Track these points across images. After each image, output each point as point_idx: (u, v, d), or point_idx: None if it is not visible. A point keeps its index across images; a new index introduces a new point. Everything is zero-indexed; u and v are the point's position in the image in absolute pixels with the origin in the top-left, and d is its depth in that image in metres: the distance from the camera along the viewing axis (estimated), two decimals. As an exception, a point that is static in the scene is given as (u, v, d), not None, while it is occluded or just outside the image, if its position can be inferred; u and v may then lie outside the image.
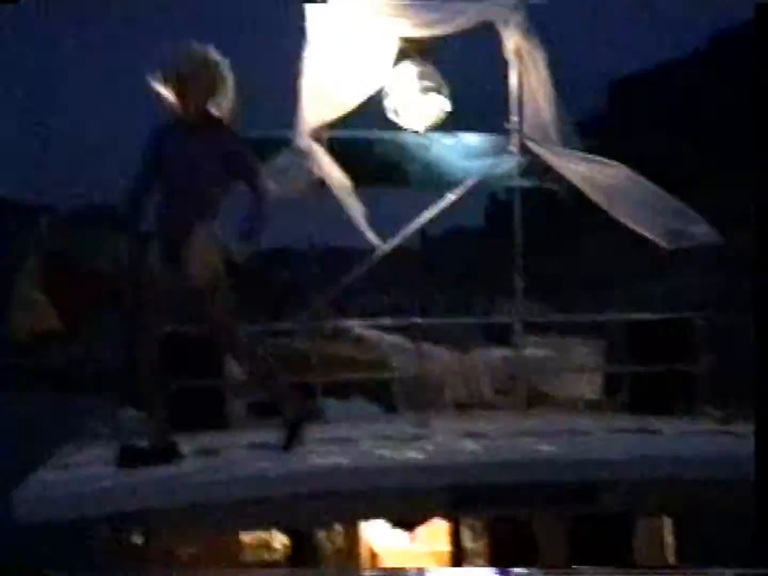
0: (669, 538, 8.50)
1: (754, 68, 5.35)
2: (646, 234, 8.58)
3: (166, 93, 6.59)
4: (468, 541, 8.37)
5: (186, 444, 7.05)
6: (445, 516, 7.50)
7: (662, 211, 8.54)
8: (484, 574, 7.53)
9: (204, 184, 6.66)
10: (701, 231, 8.47)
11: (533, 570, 6.72)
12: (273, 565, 8.38)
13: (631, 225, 8.56)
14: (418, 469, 6.43)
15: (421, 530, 8.97)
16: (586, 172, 8.58)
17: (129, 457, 6.54)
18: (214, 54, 6.63)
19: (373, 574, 7.65)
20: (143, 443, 6.72)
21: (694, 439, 7.33)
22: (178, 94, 6.58)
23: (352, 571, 7.75)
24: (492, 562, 8.43)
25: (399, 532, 8.99)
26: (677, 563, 8.49)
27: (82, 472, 6.60)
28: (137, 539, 6.12)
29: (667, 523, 8.48)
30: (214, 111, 6.67)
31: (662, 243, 8.56)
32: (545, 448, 6.88)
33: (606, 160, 8.56)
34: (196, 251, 6.60)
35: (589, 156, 8.60)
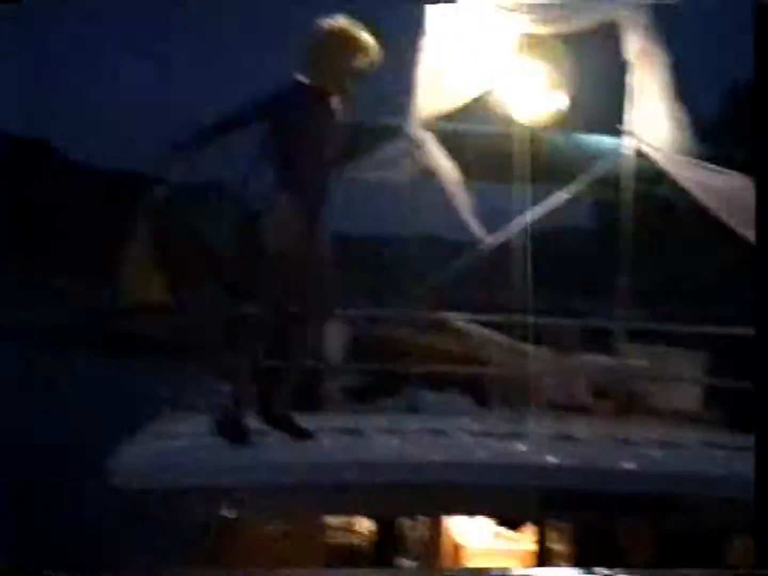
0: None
1: (755, 69, 5.24)
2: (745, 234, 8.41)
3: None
4: (553, 543, 8.31)
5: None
6: (532, 518, 7.46)
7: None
8: (566, 574, 7.45)
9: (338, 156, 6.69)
10: None
11: (617, 570, 6.65)
12: (357, 549, 8.43)
13: (745, 235, 8.39)
14: (509, 468, 6.39)
15: (506, 529, 8.95)
16: (702, 179, 8.44)
17: (227, 431, 6.60)
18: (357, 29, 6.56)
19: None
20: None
21: None
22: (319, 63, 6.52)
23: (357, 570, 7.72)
24: (576, 564, 8.38)
25: (484, 529, 8.99)
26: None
27: (177, 443, 6.68)
28: (229, 513, 6.17)
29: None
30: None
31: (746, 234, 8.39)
32: (637, 457, 6.80)
33: (722, 169, 8.40)
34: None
35: (706, 163, 8.46)
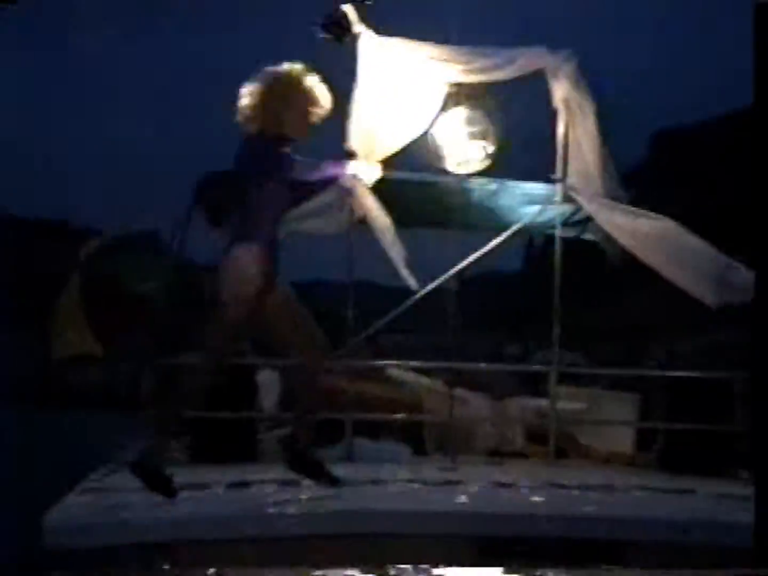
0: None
1: (755, 69, 5.25)
2: (690, 290, 8.46)
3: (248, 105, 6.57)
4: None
5: (218, 475, 7.04)
6: (471, 565, 7.41)
7: (707, 266, 8.42)
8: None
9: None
10: (745, 279, 8.31)
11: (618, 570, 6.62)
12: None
13: (673, 280, 8.45)
14: (445, 517, 6.35)
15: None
16: (629, 224, 8.49)
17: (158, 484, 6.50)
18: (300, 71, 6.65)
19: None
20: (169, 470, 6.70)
21: (728, 502, 7.20)
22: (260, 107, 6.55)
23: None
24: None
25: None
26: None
27: (111, 498, 6.57)
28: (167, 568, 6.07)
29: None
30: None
31: (706, 300, 8.44)
32: (576, 502, 6.79)
33: (651, 213, 8.47)
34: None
35: (634, 209, 8.52)
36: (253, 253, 6.44)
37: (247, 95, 6.59)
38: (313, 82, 6.63)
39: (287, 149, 6.56)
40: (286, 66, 6.66)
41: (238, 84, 6.64)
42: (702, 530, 6.34)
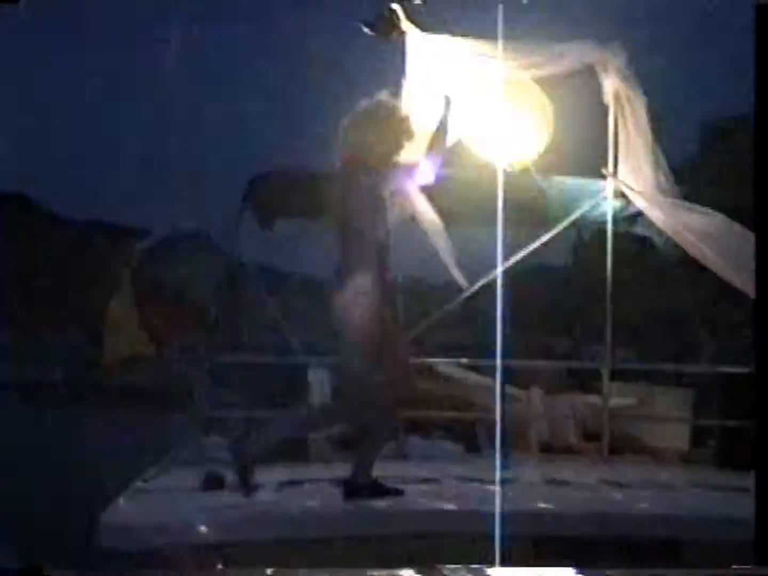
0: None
1: (755, 70, 5.17)
2: (736, 284, 8.37)
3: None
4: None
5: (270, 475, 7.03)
6: (529, 563, 7.37)
7: (751, 256, 8.32)
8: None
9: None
10: None
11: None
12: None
13: (723, 276, 8.36)
14: (503, 516, 6.30)
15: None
16: (680, 220, 8.41)
17: (212, 484, 6.51)
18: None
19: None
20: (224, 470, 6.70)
21: None
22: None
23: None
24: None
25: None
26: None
27: (164, 498, 6.58)
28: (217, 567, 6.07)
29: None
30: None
31: (751, 294, 8.35)
32: (628, 499, 6.72)
33: (702, 208, 8.37)
34: None
35: (685, 204, 8.43)
36: (368, 294, 6.58)
37: (353, 129, 6.78)
38: (408, 113, 6.94)
39: (390, 181, 6.81)
40: (385, 98, 6.97)
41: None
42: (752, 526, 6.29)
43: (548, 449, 8.82)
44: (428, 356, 9.29)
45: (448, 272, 8.56)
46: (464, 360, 9.54)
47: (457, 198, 8.74)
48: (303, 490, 6.75)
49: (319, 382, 8.97)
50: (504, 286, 9.53)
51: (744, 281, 8.28)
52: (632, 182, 8.50)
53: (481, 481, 7.17)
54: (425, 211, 8.42)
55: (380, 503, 6.51)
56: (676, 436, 8.98)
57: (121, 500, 6.35)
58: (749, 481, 7.47)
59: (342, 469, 7.35)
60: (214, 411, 8.54)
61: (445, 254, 8.52)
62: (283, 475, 7.13)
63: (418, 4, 8.17)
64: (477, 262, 8.99)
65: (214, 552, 5.84)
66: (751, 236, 8.31)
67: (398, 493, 6.63)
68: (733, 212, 8.66)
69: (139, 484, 7.01)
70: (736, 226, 8.31)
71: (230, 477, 6.71)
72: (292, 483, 6.87)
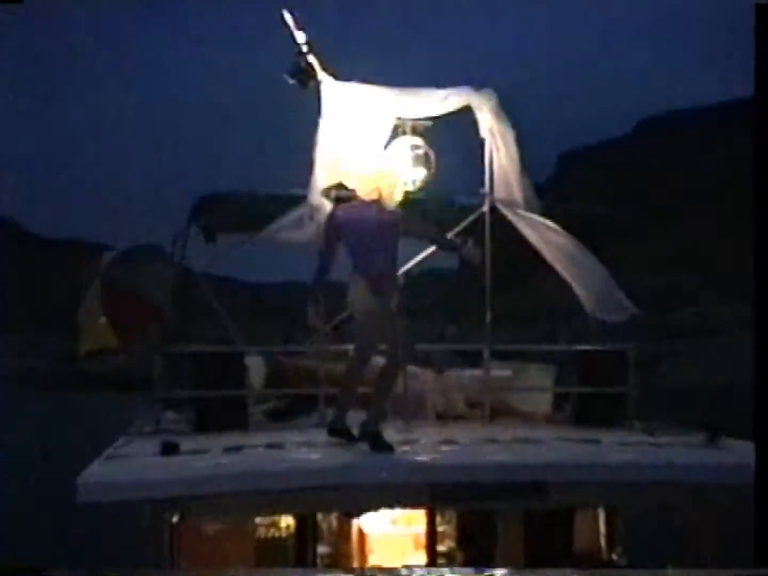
0: (603, 529, 8.45)
1: (756, 70, 4.98)
2: (576, 292, 8.62)
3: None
4: (441, 526, 8.28)
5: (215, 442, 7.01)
6: (424, 506, 7.42)
7: (593, 278, 8.58)
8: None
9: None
10: (619, 301, 8.54)
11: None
12: (280, 541, 8.29)
13: (568, 281, 8.57)
14: (403, 468, 6.35)
15: (401, 516, 8.89)
16: (539, 234, 8.60)
17: (169, 449, 6.50)
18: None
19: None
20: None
21: (626, 448, 7.26)
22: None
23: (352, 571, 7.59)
24: (459, 544, 8.35)
25: (383, 517, 8.91)
26: (608, 549, 8.43)
27: (131, 462, 6.53)
28: (174, 519, 6.03)
29: (601, 516, 8.42)
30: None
31: (588, 308, 8.62)
32: (505, 453, 6.82)
33: (557, 227, 8.55)
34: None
35: (544, 221, 8.61)
36: (373, 283, 7.06)
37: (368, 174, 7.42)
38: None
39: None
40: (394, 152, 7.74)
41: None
42: (605, 470, 6.43)
43: (442, 416, 8.89)
44: (344, 343, 9.34)
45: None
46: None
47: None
48: (243, 453, 6.72)
49: (255, 366, 8.95)
50: (407, 285, 9.66)
51: (581, 293, 8.54)
52: (505, 201, 8.63)
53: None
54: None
55: (300, 461, 6.50)
56: (542, 402, 9.11)
57: (94, 464, 6.28)
58: (600, 434, 7.67)
59: (275, 437, 7.37)
60: (168, 392, 8.51)
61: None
62: (228, 441, 7.11)
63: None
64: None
65: (172, 503, 5.81)
66: (591, 259, 8.56)
67: (390, 448, 6.69)
68: (588, 222, 8.86)
69: (110, 451, 6.95)
70: (581, 248, 8.51)
71: (184, 444, 6.70)
72: (235, 448, 6.85)
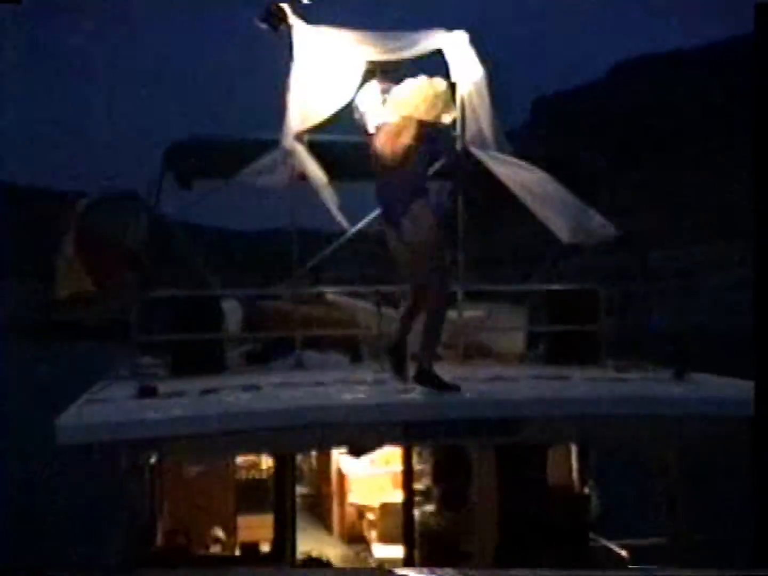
0: (575, 463, 8.58)
1: (756, 69, 4.92)
2: (549, 226, 8.60)
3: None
4: (417, 464, 8.38)
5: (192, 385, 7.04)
6: (399, 444, 7.50)
7: (566, 209, 8.55)
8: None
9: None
10: (598, 224, 8.49)
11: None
12: (260, 482, 8.38)
13: (539, 216, 8.55)
14: (378, 407, 6.40)
15: (379, 456, 8.99)
16: (513, 173, 8.56)
17: (146, 392, 6.53)
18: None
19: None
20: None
21: (596, 383, 7.36)
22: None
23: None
24: (435, 482, 8.46)
25: (362, 458, 9.01)
26: (580, 483, 8.57)
27: (109, 405, 6.56)
28: (152, 459, 6.07)
29: (573, 451, 8.54)
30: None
31: (563, 237, 8.61)
32: (478, 390, 6.88)
33: (528, 165, 8.53)
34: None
35: (516, 160, 8.57)
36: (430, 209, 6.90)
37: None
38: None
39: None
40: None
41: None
42: (574, 405, 6.52)
43: (416, 357, 8.94)
44: (322, 286, 9.38)
45: (334, 219, 8.61)
46: (348, 288, 9.64)
47: (338, 157, 8.78)
48: (220, 395, 6.76)
49: (231, 310, 8.97)
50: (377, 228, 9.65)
51: (555, 224, 8.53)
52: (477, 142, 8.60)
53: (362, 383, 7.28)
54: (313, 169, 8.46)
55: (276, 401, 6.56)
56: (515, 341, 9.18)
57: (72, 407, 6.31)
58: (571, 371, 7.76)
59: (251, 379, 7.40)
60: (145, 336, 8.52)
61: (330, 204, 8.57)
62: (205, 384, 7.13)
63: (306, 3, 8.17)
64: (358, 211, 9.04)
65: (149, 444, 5.85)
66: (562, 189, 8.54)
67: (456, 388, 6.62)
68: (558, 164, 8.84)
69: (87, 395, 6.97)
70: (553, 182, 8.50)
71: (161, 388, 6.72)
72: (212, 390, 6.88)
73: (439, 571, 4.98)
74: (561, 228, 8.52)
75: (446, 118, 7.33)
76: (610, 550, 8.49)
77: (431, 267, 6.86)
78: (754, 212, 4.89)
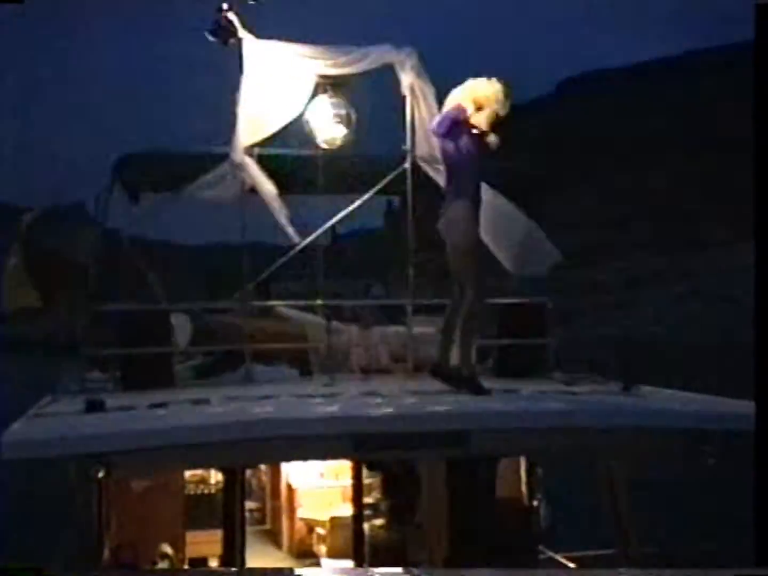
0: (524, 476, 8.63)
1: (756, 68, 4.92)
2: (500, 258, 8.71)
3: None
4: (367, 478, 8.39)
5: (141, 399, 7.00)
6: (349, 458, 7.50)
7: (515, 235, 8.66)
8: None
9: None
10: (545, 252, 8.66)
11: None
12: (209, 497, 8.33)
13: (488, 243, 8.58)
14: (327, 421, 6.40)
15: (328, 470, 8.98)
16: None
17: (94, 407, 6.49)
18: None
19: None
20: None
21: (545, 396, 7.42)
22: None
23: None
24: (385, 496, 8.47)
25: (311, 471, 9.00)
26: (529, 496, 8.62)
27: (55, 419, 6.51)
28: (99, 474, 6.01)
29: (522, 464, 8.60)
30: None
31: (511, 268, 8.73)
32: (428, 404, 6.91)
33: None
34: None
35: None
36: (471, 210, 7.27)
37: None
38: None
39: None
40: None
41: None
42: (522, 418, 6.57)
43: (366, 370, 8.97)
44: (269, 300, 9.37)
45: (284, 232, 8.63)
46: (298, 303, 9.66)
47: (288, 171, 8.81)
48: (169, 409, 6.73)
49: (180, 324, 8.93)
50: (327, 244, 9.66)
51: (502, 254, 8.64)
52: (426, 158, 8.67)
53: (312, 396, 7.28)
54: (263, 182, 8.48)
55: (225, 415, 6.55)
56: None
57: (18, 422, 6.25)
58: (520, 384, 7.82)
59: (200, 393, 7.38)
60: (93, 351, 8.47)
61: (280, 216, 8.59)
62: (154, 398, 7.10)
63: (253, 2, 8.19)
64: (307, 224, 9.06)
65: (96, 459, 5.80)
66: (515, 212, 8.62)
67: (487, 392, 7.07)
68: (509, 178, 8.92)
69: (35, 409, 6.90)
70: (500, 198, 8.57)
71: (110, 402, 6.68)
72: (161, 404, 6.85)
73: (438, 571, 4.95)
74: (508, 257, 8.69)
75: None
76: (558, 562, 8.56)
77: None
78: (755, 213, 4.93)
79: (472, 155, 7.33)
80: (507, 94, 7.37)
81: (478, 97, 7.35)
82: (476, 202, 7.36)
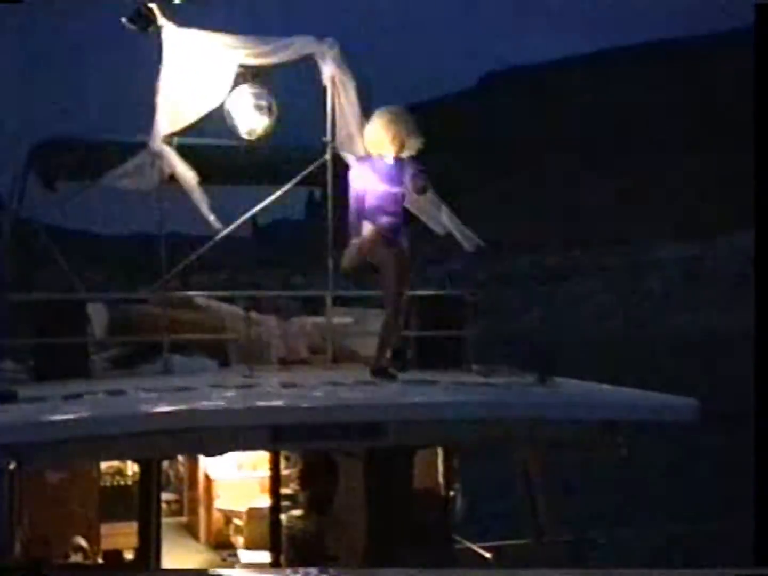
0: (441, 467, 8.68)
1: (756, 68, 4.94)
2: (429, 224, 8.81)
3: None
4: (285, 469, 8.36)
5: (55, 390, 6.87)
6: (266, 449, 7.47)
7: (438, 211, 8.78)
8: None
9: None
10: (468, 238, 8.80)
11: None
12: (125, 488, 8.22)
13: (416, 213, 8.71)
14: (245, 412, 6.37)
15: (246, 461, 8.93)
16: None
17: (5, 398, 6.36)
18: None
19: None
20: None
21: (462, 387, 7.48)
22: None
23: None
24: (302, 487, 8.45)
25: (229, 463, 8.94)
26: (446, 487, 8.68)
27: None
28: (10, 466, 5.88)
29: (440, 455, 8.65)
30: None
31: (437, 230, 8.85)
32: (346, 395, 6.92)
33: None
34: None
35: None
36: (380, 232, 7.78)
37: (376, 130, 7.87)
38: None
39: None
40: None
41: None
42: (439, 409, 6.61)
43: (285, 362, 8.93)
44: (187, 291, 9.27)
45: (206, 221, 8.53)
46: (217, 293, 9.57)
47: (208, 161, 8.71)
48: (83, 400, 6.62)
49: (96, 314, 8.78)
50: (249, 235, 9.58)
51: (431, 222, 8.73)
52: (347, 146, 8.65)
53: (230, 387, 7.22)
54: (183, 171, 8.38)
55: (140, 405, 6.45)
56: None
57: None
58: (438, 376, 7.87)
59: (117, 384, 7.27)
60: (6, 340, 8.29)
61: (201, 205, 8.49)
62: (68, 389, 6.98)
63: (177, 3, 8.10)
64: (228, 214, 8.98)
65: (6, 450, 5.68)
66: (435, 200, 8.75)
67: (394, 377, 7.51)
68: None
69: None
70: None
71: (23, 392, 6.55)
72: (75, 395, 6.73)
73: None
74: (434, 224, 8.83)
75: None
76: (474, 551, 8.63)
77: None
78: (754, 211, 4.96)
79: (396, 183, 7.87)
80: (397, 120, 7.82)
81: (370, 143, 7.95)
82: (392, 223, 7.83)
